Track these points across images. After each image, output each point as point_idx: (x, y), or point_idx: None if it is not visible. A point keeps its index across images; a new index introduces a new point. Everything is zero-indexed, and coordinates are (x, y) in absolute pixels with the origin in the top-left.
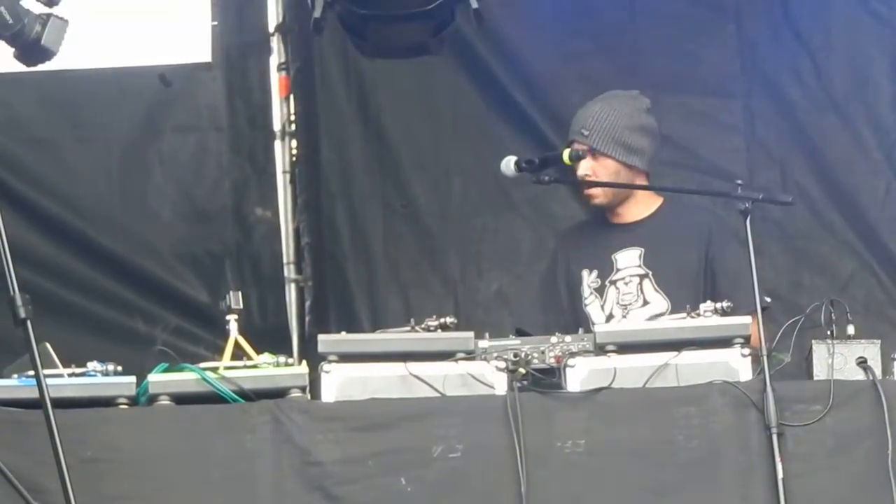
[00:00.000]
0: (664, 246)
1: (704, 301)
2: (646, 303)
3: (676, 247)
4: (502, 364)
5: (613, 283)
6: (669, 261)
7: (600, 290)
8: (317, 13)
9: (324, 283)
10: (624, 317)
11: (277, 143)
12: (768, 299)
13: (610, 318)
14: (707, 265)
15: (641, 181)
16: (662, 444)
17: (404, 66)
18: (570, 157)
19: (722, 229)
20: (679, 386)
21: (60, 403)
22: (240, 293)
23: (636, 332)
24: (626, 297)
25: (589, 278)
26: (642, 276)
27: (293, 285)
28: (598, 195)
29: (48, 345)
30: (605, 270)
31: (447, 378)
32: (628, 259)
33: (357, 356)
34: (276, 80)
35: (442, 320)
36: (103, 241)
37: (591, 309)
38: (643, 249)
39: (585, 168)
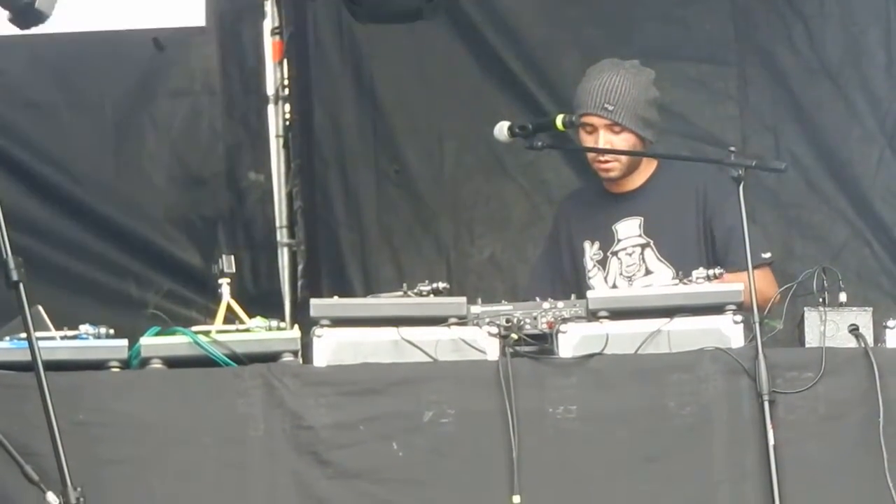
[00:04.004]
0: (663, 213)
1: (708, 263)
2: (648, 272)
3: (674, 212)
4: (494, 329)
5: (615, 254)
6: (669, 228)
7: (603, 262)
8: None
9: (316, 247)
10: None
11: (271, 108)
12: (769, 254)
13: (614, 289)
14: (705, 225)
15: None
16: (654, 410)
17: (398, 31)
18: (564, 124)
19: (717, 187)
20: (671, 352)
21: (52, 366)
22: (232, 257)
23: (628, 298)
24: (630, 268)
25: (591, 250)
26: (643, 246)
27: (286, 249)
28: (615, 168)
29: (40, 307)
30: (607, 242)
31: (439, 343)
32: (629, 229)
33: (349, 321)
34: (269, 44)
35: (434, 285)
36: (96, 205)
37: (594, 282)
38: (642, 218)
39: (604, 142)
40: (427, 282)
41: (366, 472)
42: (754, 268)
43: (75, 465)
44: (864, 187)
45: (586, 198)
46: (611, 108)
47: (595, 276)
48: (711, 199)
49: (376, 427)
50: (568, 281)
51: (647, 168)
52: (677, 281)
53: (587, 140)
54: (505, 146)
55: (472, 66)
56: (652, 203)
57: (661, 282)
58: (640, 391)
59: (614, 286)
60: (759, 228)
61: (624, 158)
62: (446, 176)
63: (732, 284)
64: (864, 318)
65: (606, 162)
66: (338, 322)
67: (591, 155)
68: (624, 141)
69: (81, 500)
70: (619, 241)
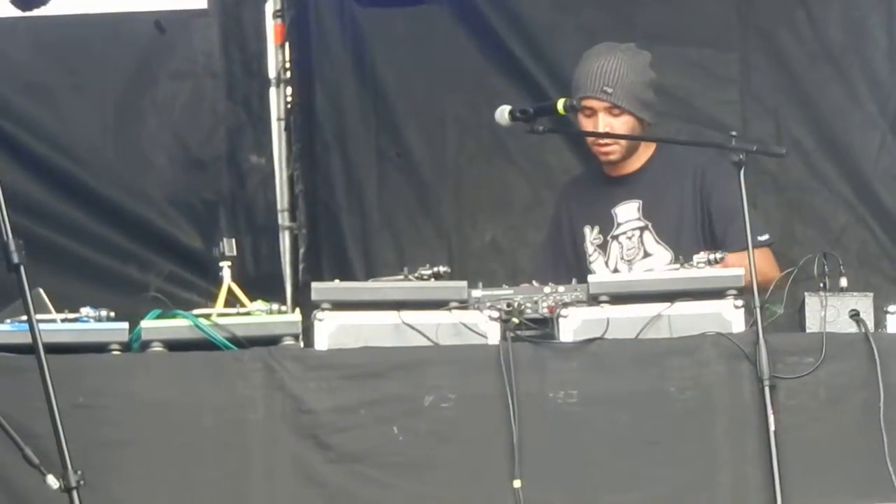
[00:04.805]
0: (661, 196)
1: (705, 245)
2: (647, 255)
3: (672, 195)
4: (495, 314)
5: (615, 237)
6: (667, 210)
7: (603, 246)
8: None
9: (318, 231)
10: (630, 272)
11: (272, 91)
12: (766, 236)
13: (615, 273)
14: (702, 206)
15: None
16: (655, 395)
17: (399, 14)
18: (565, 108)
19: (714, 169)
20: (672, 337)
21: (53, 349)
22: (233, 240)
23: (629, 282)
24: (630, 251)
25: (591, 235)
26: (642, 229)
27: (287, 233)
28: (615, 152)
29: (41, 290)
30: (606, 226)
31: (440, 327)
32: (628, 212)
33: (350, 304)
34: (271, 27)
35: (435, 269)
36: (97, 187)
37: (595, 266)
38: (641, 201)
39: (603, 125)
40: (428, 266)
41: (366, 456)
42: (755, 248)
43: (76, 447)
44: (866, 172)
45: (586, 182)
46: (610, 90)
47: (596, 261)
48: (709, 180)
49: (377, 411)
50: (570, 266)
51: (646, 151)
52: (678, 265)
53: (586, 124)
54: (506, 130)
55: (473, 49)
56: (650, 186)
57: (660, 265)
58: (640, 376)
59: (615, 270)
60: (758, 211)
61: (623, 141)
62: (448, 159)
63: (733, 269)
64: (864, 303)
65: (606, 145)
66: (339, 306)
67: (590, 139)
68: (623, 124)
69: (81, 482)
70: (618, 224)
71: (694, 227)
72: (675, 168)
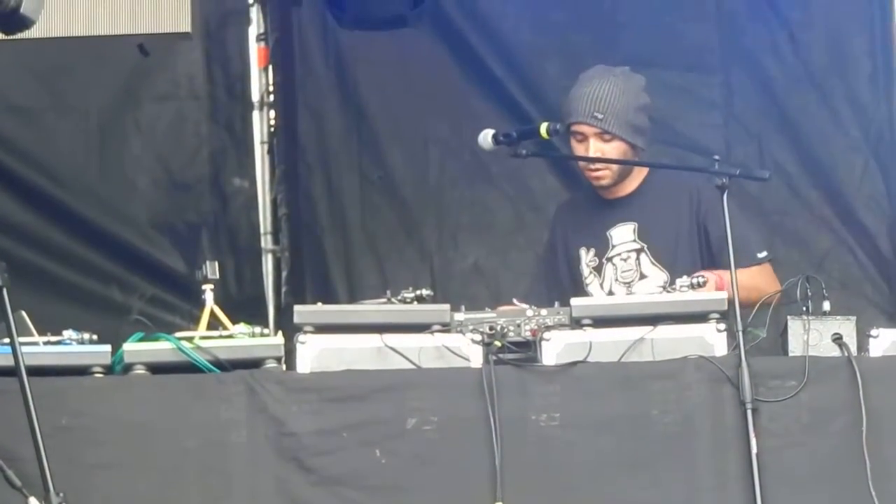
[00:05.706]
0: (656, 218)
1: (702, 266)
2: (643, 277)
3: (668, 217)
4: (478, 337)
5: (610, 259)
6: (663, 232)
7: (598, 269)
8: None
9: (300, 253)
10: (628, 294)
11: (255, 114)
12: (764, 253)
13: (610, 295)
14: (699, 227)
15: None
16: (637, 418)
17: (383, 37)
18: (549, 132)
19: (711, 190)
20: (654, 360)
21: (35, 371)
22: (216, 263)
23: (612, 306)
24: (627, 273)
25: (587, 257)
26: (638, 251)
27: (270, 256)
28: (607, 176)
29: (24, 313)
30: (601, 248)
31: (423, 350)
32: (623, 235)
33: (333, 327)
34: (254, 50)
35: (418, 292)
36: (80, 210)
37: (591, 288)
38: (636, 224)
39: (594, 151)
40: (411, 289)
41: (348, 479)
42: (753, 266)
43: (58, 470)
44: (849, 195)
45: (580, 205)
46: (600, 116)
47: (591, 283)
48: (706, 201)
49: (359, 434)
50: (565, 288)
51: (640, 174)
52: (661, 289)
53: (578, 148)
54: (489, 153)
55: (456, 72)
56: (645, 208)
57: (647, 288)
58: (623, 399)
59: (610, 292)
60: (755, 228)
61: (614, 166)
62: (430, 182)
63: (716, 293)
64: (847, 327)
65: (597, 170)
66: (321, 328)
67: (581, 164)
68: (614, 149)
69: None
70: (613, 246)
71: (690, 249)
72: (670, 190)
